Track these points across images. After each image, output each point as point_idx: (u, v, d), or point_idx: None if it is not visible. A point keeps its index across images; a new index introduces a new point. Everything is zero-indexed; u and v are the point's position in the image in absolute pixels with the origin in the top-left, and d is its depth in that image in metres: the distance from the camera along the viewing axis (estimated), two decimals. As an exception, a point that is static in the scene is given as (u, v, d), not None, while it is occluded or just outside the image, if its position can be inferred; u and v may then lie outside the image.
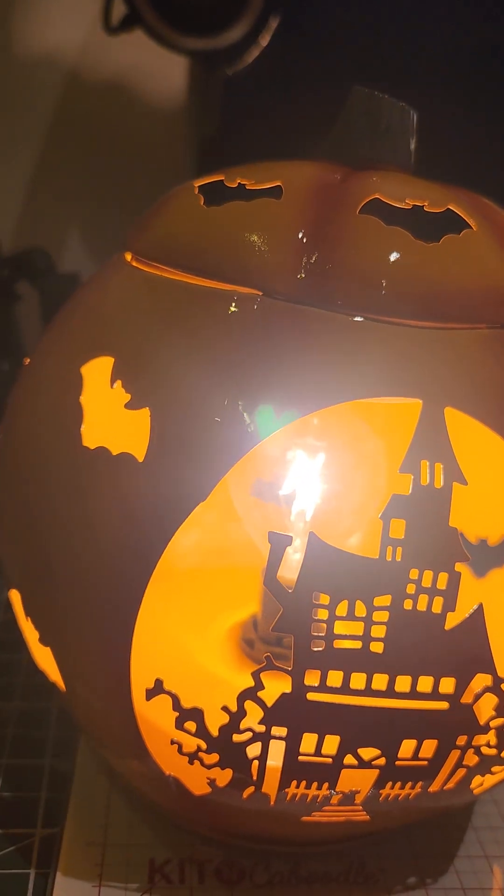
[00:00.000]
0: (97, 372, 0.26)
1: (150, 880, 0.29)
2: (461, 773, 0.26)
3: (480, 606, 0.24)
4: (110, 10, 0.65)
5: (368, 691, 0.24)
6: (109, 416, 0.25)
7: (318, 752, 0.25)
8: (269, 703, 0.24)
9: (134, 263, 0.28)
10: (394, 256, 0.24)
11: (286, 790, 0.26)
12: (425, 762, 0.26)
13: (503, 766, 0.27)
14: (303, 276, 0.24)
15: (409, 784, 0.26)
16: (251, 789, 0.26)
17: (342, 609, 0.23)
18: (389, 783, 0.26)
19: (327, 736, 0.25)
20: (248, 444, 0.23)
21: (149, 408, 0.24)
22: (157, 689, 0.25)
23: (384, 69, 0.62)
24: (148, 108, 0.73)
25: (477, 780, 0.27)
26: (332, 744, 0.25)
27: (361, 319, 0.24)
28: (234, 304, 0.24)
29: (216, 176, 0.27)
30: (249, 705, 0.24)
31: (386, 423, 0.27)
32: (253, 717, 0.25)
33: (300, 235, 0.25)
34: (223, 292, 0.25)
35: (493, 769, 0.27)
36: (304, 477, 0.26)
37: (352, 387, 0.24)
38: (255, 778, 0.26)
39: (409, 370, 0.24)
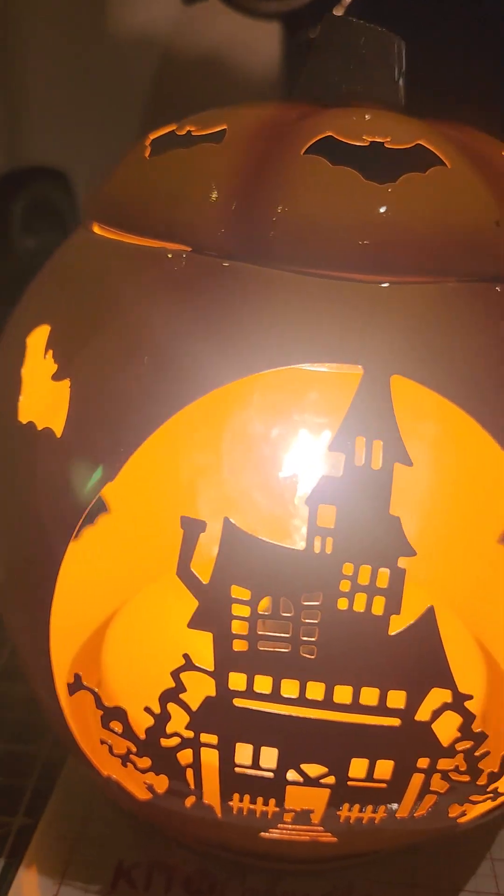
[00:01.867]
0: (36, 341, 0.24)
1: (114, 884, 0.28)
2: (431, 799, 0.23)
3: (431, 609, 0.20)
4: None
5: (303, 700, 0.21)
6: (39, 389, 0.23)
7: (256, 765, 0.22)
8: (194, 707, 0.22)
9: (88, 227, 0.26)
10: (334, 199, 0.21)
11: (230, 803, 0.23)
12: (384, 784, 0.22)
13: (484, 797, 0.23)
14: (233, 228, 0.21)
15: (370, 807, 0.23)
16: (192, 799, 0.24)
17: (265, 606, 0.21)
18: (346, 804, 0.23)
19: (263, 748, 0.22)
20: (161, 418, 0.21)
21: (69, 378, 0.22)
22: (77, 684, 0.23)
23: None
24: (243, 80, 0.70)
25: (455, 808, 0.24)
26: (270, 756, 0.22)
27: (296, 275, 0.21)
28: (159, 262, 0.22)
29: (171, 126, 0.25)
30: (173, 708, 0.22)
31: (321, 395, 0.23)
32: (179, 721, 0.22)
33: (233, 182, 0.22)
34: (150, 249, 0.22)
35: (473, 798, 0.23)
36: (225, 454, 0.24)
37: (283, 353, 0.21)
38: (192, 787, 0.23)
39: (351, 332, 0.20)
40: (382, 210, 0.21)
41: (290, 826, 0.24)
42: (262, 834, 0.25)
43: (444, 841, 0.30)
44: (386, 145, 0.22)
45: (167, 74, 0.66)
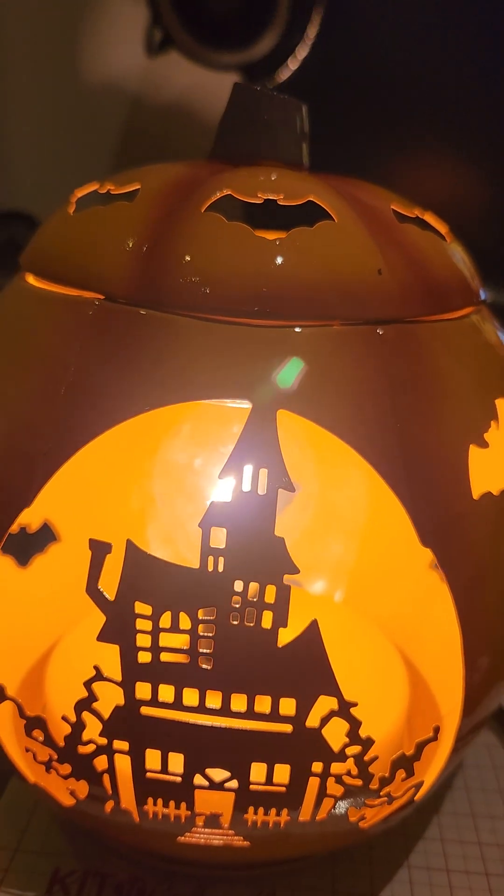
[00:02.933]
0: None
1: (49, 890, 0.29)
2: (328, 802, 0.25)
3: (315, 623, 0.22)
4: (151, 36, 0.67)
5: (203, 709, 0.23)
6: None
7: (164, 770, 0.24)
8: (105, 716, 0.24)
9: (22, 276, 0.28)
10: (228, 253, 0.23)
11: (145, 807, 0.25)
12: (283, 788, 0.24)
13: (379, 800, 0.25)
14: (139, 278, 0.24)
15: (274, 811, 0.25)
16: (111, 803, 0.25)
17: (165, 620, 0.23)
18: (251, 808, 0.25)
19: (171, 753, 0.24)
20: (69, 452, 0.23)
21: (-7, 415, 0.24)
22: (1, 695, 0.25)
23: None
24: (203, 126, 0.74)
25: (353, 812, 0.25)
26: (177, 762, 0.24)
27: (194, 320, 0.23)
28: (74, 308, 0.24)
29: (94, 184, 0.27)
30: (87, 716, 0.24)
31: (213, 427, 0.25)
32: (93, 729, 0.24)
33: (140, 237, 0.24)
34: (68, 297, 0.25)
35: (369, 802, 0.25)
36: (126, 482, 0.26)
37: (180, 388, 0.23)
38: (110, 792, 0.25)
39: (240, 371, 0.23)
40: (275, 261, 0.23)
41: (203, 830, 0.26)
42: (180, 838, 0.26)
43: (362, 848, 0.31)
44: (279, 202, 0.24)
45: (133, 122, 0.69)
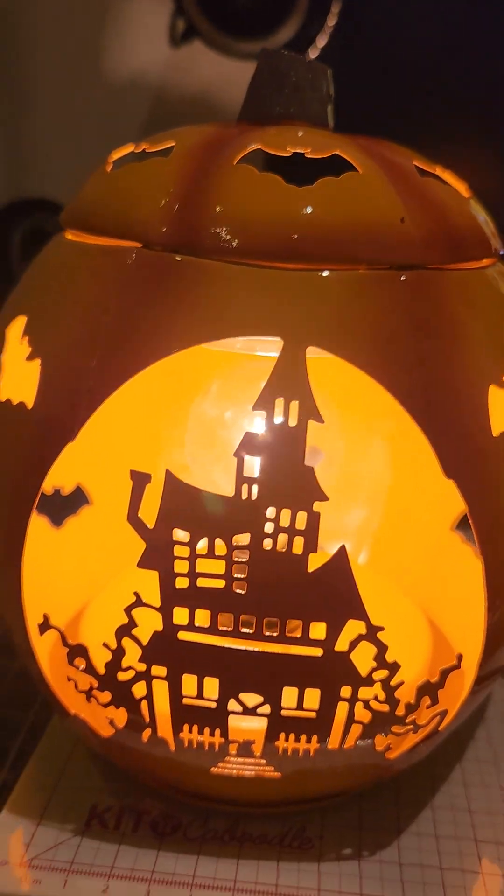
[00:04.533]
0: (15, 330, 0.28)
1: (87, 824, 0.31)
2: (357, 729, 0.26)
3: (343, 549, 0.23)
4: (175, 27, 0.69)
5: (237, 633, 0.24)
6: (16, 370, 0.27)
7: (200, 695, 0.25)
8: (144, 641, 0.25)
9: (62, 234, 0.30)
10: (260, 200, 0.24)
11: (181, 735, 0.26)
12: (312, 713, 0.25)
13: (405, 728, 0.26)
14: (175, 226, 0.25)
15: (304, 737, 0.26)
16: (148, 732, 0.27)
17: (202, 547, 0.24)
18: (282, 734, 0.26)
19: (206, 678, 0.25)
20: (112, 387, 0.24)
21: (40, 358, 0.26)
22: (45, 624, 0.26)
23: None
24: (226, 113, 0.75)
25: (381, 740, 0.26)
26: (212, 687, 0.25)
27: (228, 264, 0.24)
28: (114, 257, 0.25)
29: (130, 146, 0.29)
30: (127, 642, 0.25)
31: (247, 363, 0.27)
32: (132, 655, 0.25)
33: (176, 188, 0.25)
34: (108, 248, 0.26)
35: (395, 729, 0.26)
36: (165, 416, 0.27)
37: (216, 328, 0.24)
38: (147, 720, 0.26)
39: (272, 311, 0.24)
40: (303, 210, 0.24)
41: (236, 760, 0.27)
42: (213, 769, 0.27)
43: (388, 790, 0.32)
44: (307, 155, 0.26)
45: (157, 111, 0.71)
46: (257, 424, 0.23)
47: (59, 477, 0.25)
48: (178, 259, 0.25)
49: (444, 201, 0.27)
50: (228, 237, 0.24)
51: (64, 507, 0.32)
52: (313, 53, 0.66)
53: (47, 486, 0.25)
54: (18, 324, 0.28)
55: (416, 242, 0.25)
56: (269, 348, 0.24)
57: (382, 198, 0.25)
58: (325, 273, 0.24)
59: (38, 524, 0.26)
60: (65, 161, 0.73)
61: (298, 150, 0.25)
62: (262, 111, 0.29)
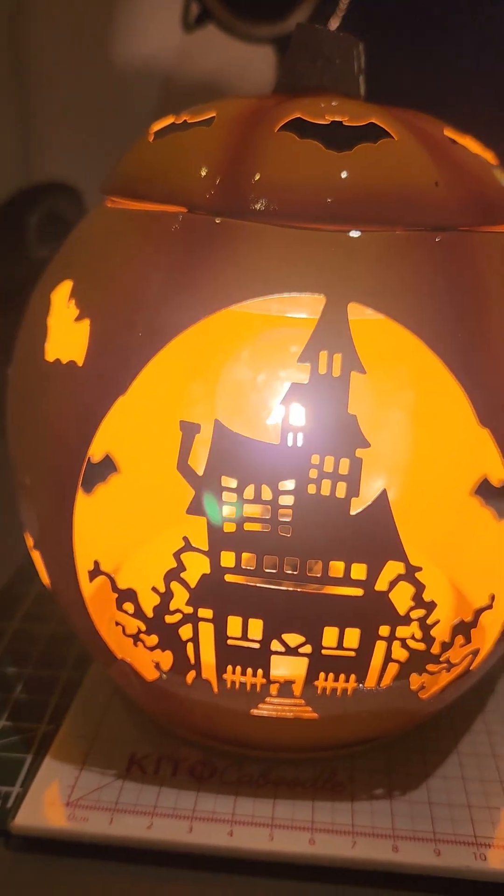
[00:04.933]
0: (61, 295, 0.29)
1: (128, 770, 0.32)
2: (393, 668, 0.27)
3: (384, 492, 0.25)
4: (188, 11, 0.70)
5: (281, 574, 0.26)
6: (64, 331, 0.28)
7: (244, 637, 0.27)
8: (192, 584, 0.26)
9: (102, 203, 0.31)
10: (301, 165, 0.26)
11: (224, 676, 0.28)
12: (352, 652, 0.27)
13: (439, 666, 0.27)
14: (220, 191, 0.26)
15: (343, 676, 0.27)
16: (193, 673, 0.28)
17: (249, 493, 0.25)
18: (322, 674, 0.27)
19: (251, 620, 0.26)
20: (161, 343, 0.25)
21: (89, 319, 0.27)
22: (96, 570, 0.27)
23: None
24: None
25: (415, 679, 0.28)
26: (256, 628, 0.27)
27: (272, 227, 0.26)
28: (160, 222, 0.27)
29: (170, 117, 0.30)
30: (175, 586, 0.27)
31: (293, 318, 0.28)
32: (180, 598, 0.27)
33: (220, 155, 0.27)
34: (154, 213, 0.27)
35: (429, 668, 0.27)
36: (213, 368, 0.28)
37: (260, 285, 0.25)
38: (192, 661, 0.28)
39: (315, 269, 0.25)
40: (342, 173, 0.26)
41: (276, 701, 0.28)
42: (253, 711, 0.29)
43: (414, 738, 0.34)
44: (344, 123, 0.27)
45: (170, 96, 0.72)
46: (302, 375, 0.24)
47: (105, 439, 0.27)
48: (221, 222, 0.26)
49: (474, 168, 0.28)
50: (270, 201, 0.26)
51: (94, 475, 0.34)
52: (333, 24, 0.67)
53: (100, 441, 0.26)
54: (64, 288, 0.29)
55: (449, 205, 0.26)
56: (302, 311, 0.26)
57: (417, 163, 0.26)
58: (364, 234, 0.25)
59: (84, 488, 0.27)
60: (79, 145, 0.74)
61: (336, 119, 0.27)
62: (296, 83, 0.30)
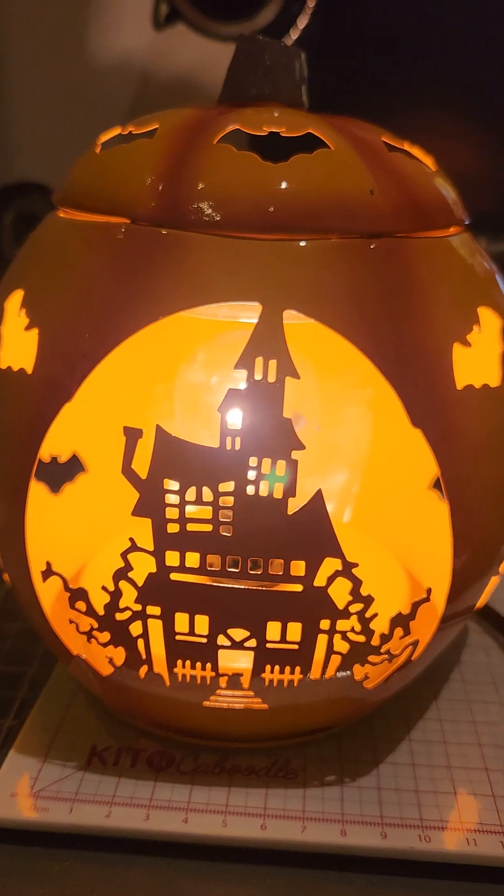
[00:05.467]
0: (13, 304, 0.30)
1: (88, 761, 0.33)
2: (336, 659, 0.28)
3: (319, 492, 0.26)
4: (158, 10, 0.70)
5: (224, 572, 0.27)
6: (15, 339, 0.29)
7: (192, 632, 0.28)
8: (140, 583, 0.27)
9: (55, 213, 0.31)
10: (239, 176, 0.26)
11: (175, 670, 0.29)
12: (295, 645, 0.28)
13: (380, 657, 0.28)
14: (161, 202, 0.27)
15: (288, 668, 0.28)
16: (145, 668, 0.29)
17: (191, 494, 0.26)
18: (268, 666, 0.28)
19: (197, 616, 0.27)
20: (105, 351, 0.26)
21: (38, 328, 0.28)
22: (48, 571, 0.28)
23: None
24: (210, 95, 0.77)
25: (358, 670, 0.29)
26: (202, 623, 0.28)
27: (211, 236, 0.26)
28: (104, 233, 0.28)
29: (117, 128, 0.31)
30: (124, 585, 0.28)
31: (230, 330, 0.29)
32: (129, 597, 0.28)
33: (161, 167, 0.27)
34: (98, 224, 0.28)
35: (371, 659, 0.28)
36: (152, 376, 0.29)
37: (200, 295, 0.26)
38: (143, 657, 0.29)
39: (251, 278, 0.26)
40: (280, 184, 0.26)
41: (226, 693, 0.29)
42: (205, 703, 0.30)
43: (365, 726, 0.35)
44: (282, 134, 0.28)
45: (142, 93, 0.73)
46: (239, 381, 0.25)
47: (58, 442, 0.28)
48: (164, 233, 0.27)
49: (410, 174, 0.29)
50: (210, 211, 0.26)
51: (61, 474, 0.35)
52: (294, 34, 0.68)
53: (47, 446, 0.27)
54: (16, 297, 0.30)
55: (384, 212, 0.27)
56: (250, 316, 0.26)
57: (352, 172, 0.27)
58: (301, 243, 0.26)
59: (36, 488, 0.28)
60: (53, 145, 0.74)
61: (274, 130, 0.28)
62: (239, 93, 0.31)
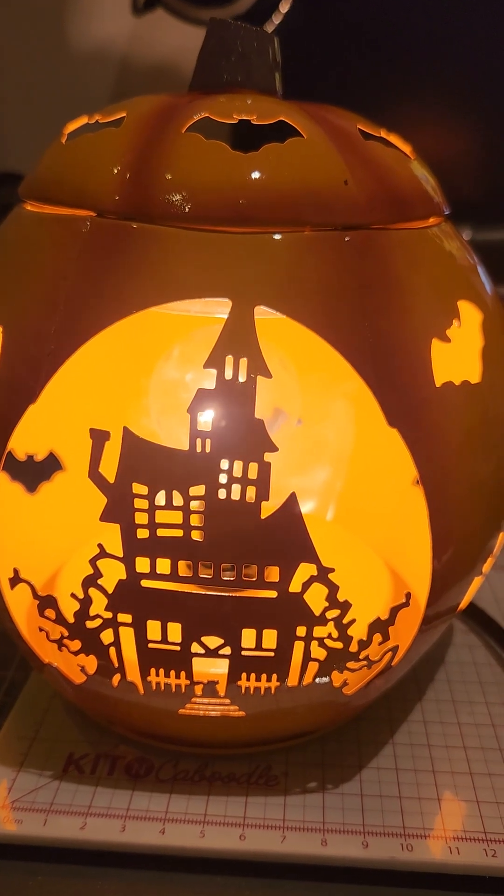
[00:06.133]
0: (-22, 301, 0.29)
1: (65, 769, 0.32)
2: (313, 666, 0.27)
3: (293, 495, 0.25)
4: (136, -6, 0.69)
5: (196, 579, 0.26)
6: (-21, 338, 0.28)
7: (164, 640, 0.27)
8: (110, 590, 0.26)
9: (21, 206, 0.30)
10: (208, 167, 0.25)
11: (148, 678, 0.28)
12: (271, 652, 0.27)
13: (359, 664, 0.28)
14: (127, 194, 0.26)
15: (264, 676, 0.27)
16: (118, 676, 0.28)
17: (160, 499, 0.25)
18: (243, 674, 0.27)
19: (169, 623, 0.27)
20: (70, 350, 0.25)
21: (2, 326, 0.27)
22: (16, 577, 0.27)
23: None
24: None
25: (337, 676, 0.28)
26: (175, 631, 0.27)
27: (179, 229, 0.25)
28: (69, 226, 0.26)
29: (84, 117, 0.30)
30: (94, 592, 0.27)
31: (198, 323, 0.28)
32: (99, 604, 0.27)
33: (128, 157, 0.26)
34: (63, 217, 0.27)
35: (349, 665, 0.28)
36: (121, 375, 0.28)
37: (169, 290, 0.25)
38: (116, 665, 0.28)
39: (221, 273, 0.25)
40: (250, 174, 0.25)
41: (202, 700, 0.29)
42: (181, 711, 0.29)
43: (350, 730, 0.34)
44: (252, 122, 0.27)
45: (121, 81, 0.71)
46: (209, 381, 0.24)
47: (29, 442, 0.27)
48: (133, 227, 0.26)
49: (387, 163, 0.28)
50: (178, 203, 0.25)
51: (38, 473, 0.34)
52: (277, 18, 0.66)
53: (15, 449, 0.26)
54: (-19, 293, 0.29)
55: (359, 204, 0.26)
56: (224, 311, 0.25)
57: (326, 161, 0.26)
58: (274, 236, 0.25)
59: (6, 488, 0.27)
60: (30, 134, 0.73)
61: (244, 118, 0.26)
62: (211, 80, 0.30)
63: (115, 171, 0.26)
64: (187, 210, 0.25)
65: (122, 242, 0.26)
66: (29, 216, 0.29)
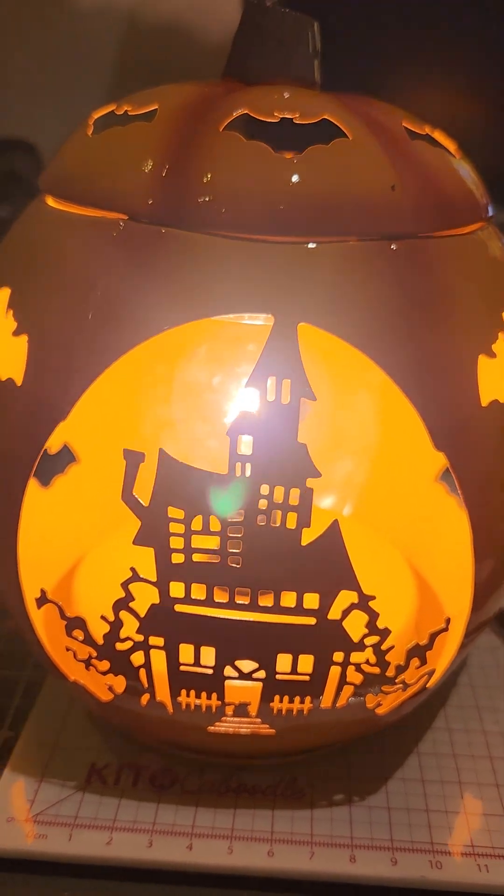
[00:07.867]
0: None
1: (87, 780, 0.32)
2: (348, 690, 0.27)
3: (336, 522, 0.24)
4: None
5: (232, 605, 0.25)
6: (1, 344, 0.27)
7: (197, 663, 0.26)
8: (142, 614, 0.25)
9: (42, 199, 0.29)
10: (250, 171, 0.24)
11: (178, 699, 0.27)
12: (307, 677, 0.26)
13: (394, 687, 0.27)
14: (161, 198, 0.24)
15: (298, 698, 0.27)
16: (147, 696, 0.27)
17: (197, 524, 0.24)
18: (277, 697, 0.27)
19: (203, 647, 0.26)
20: (102, 366, 0.24)
21: (27, 334, 0.26)
22: (42, 598, 0.26)
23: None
24: (203, 45, 0.72)
25: (371, 699, 0.27)
26: (209, 655, 0.26)
27: (216, 237, 0.24)
28: (100, 229, 0.25)
29: (111, 105, 0.28)
30: (125, 615, 0.26)
31: (238, 341, 0.26)
32: (130, 627, 0.26)
33: (161, 157, 0.25)
34: (94, 219, 0.25)
35: (385, 689, 0.27)
36: (157, 396, 0.27)
37: (203, 304, 0.24)
38: (145, 685, 0.27)
39: (263, 286, 0.24)
40: (292, 179, 0.24)
41: (232, 719, 0.28)
42: (210, 728, 0.28)
43: (375, 739, 0.34)
44: (295, 121, 0.25)
45: (130, 46, 0.68)
46: (250, 403, 0.23)
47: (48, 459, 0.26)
48: (164, 232, 0.24)
49: (433, 165, 0.26)
50: (216, 209, 0.24)
51: (52, 466, 0.33)
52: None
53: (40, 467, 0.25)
54: (2, 296, 0.27)
55: (406, 211, 0.25)
56: (257, 318, 0.24)
57: (373, 165, 0.25)
58: (315, 245, 0.24)
59: (30, 494, 0.26)
60: (31, 98, 0.70)
61: (286, 116, 0.25)
62: (246, 68, 0.28)
63: (148, 171, 0.25)
64: (225, 217, 0.24)
65: (155, 250, 0.24)
66: (54, 215, 0.27)
